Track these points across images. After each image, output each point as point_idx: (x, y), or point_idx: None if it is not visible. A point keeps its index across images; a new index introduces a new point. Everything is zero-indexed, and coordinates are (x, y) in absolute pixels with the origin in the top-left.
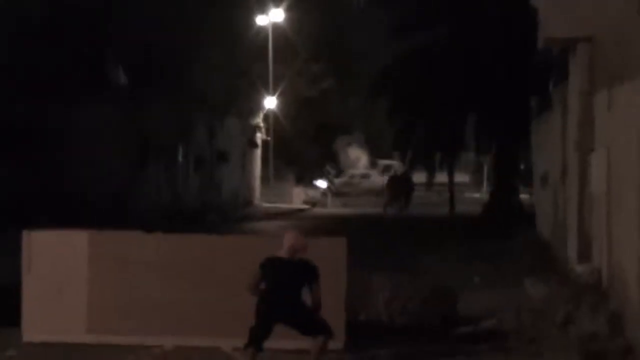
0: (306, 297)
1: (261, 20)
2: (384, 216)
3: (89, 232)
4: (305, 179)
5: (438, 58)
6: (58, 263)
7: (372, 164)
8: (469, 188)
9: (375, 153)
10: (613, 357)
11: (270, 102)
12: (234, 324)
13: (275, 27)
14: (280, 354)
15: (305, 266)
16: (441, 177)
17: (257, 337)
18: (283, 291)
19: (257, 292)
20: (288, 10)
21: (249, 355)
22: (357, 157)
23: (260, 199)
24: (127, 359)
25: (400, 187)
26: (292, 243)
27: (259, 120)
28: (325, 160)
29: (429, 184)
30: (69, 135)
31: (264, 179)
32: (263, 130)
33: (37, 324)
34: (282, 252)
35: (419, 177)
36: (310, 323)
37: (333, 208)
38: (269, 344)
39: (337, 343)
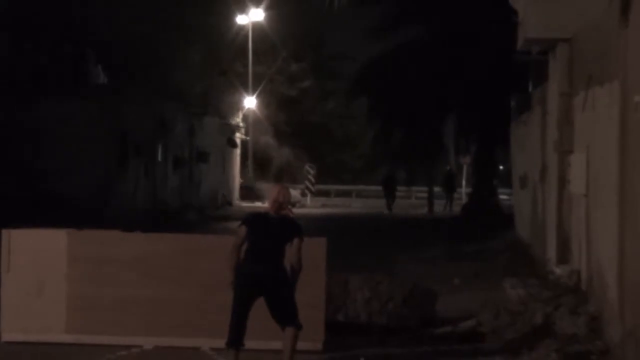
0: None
1: (241, 19)
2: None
3: (68, 231)
4: (284, 178)
5: (416, 58)
6: (37, 262)
7: None
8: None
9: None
10: (591, 359)
11: (250, 102)
12: (213, 324)
13: (255, 26)
14: (261, 354)
15: (289, 222)
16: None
17: (236, 321)
18: (267, 246)
19: (237, 254)
20: (268, 9)
21: (232, 357)
22: None
23: (238, 198)
24: (106, 359)
25: (387, 186)
26: (275, 197)
27: (239, 119)
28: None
29: (409, 186)
30: (48, 133)
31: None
32: (242, 129)
33: (16, 323)
34: (266, 208)
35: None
36: (287, 300)
37: (312, 208)
38: (248, 344)
39: (315, 344)
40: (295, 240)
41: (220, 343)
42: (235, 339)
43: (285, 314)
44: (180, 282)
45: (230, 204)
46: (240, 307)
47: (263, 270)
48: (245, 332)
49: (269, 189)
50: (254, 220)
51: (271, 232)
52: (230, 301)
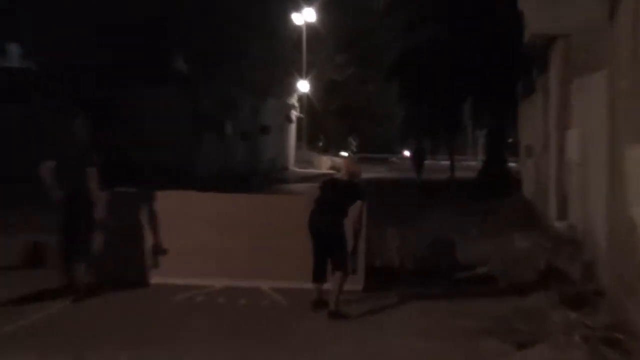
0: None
1: (297, 18)
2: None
3: (158, 192)
4: (331, 148)
5: (439, 51)
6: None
7: None
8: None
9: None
10: (585, 299)
11: (303, 86)
12: (272, 268)
13: (308, 21)
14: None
15: (354, 186)
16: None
17: (315, 266)
18: (332, 203)
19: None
20: (319, 10)
21: (315, 288)
22: None
23: (294, 165)
24: (184, 296)
25: (417, 158)
26: (344, 167)
27: (294, 100)
28: (348, 133)
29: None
30: (141, 113)
31: (297, 148)
32: (297, 108)
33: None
34: (340, 175)
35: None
36: (340, 250)
37: None
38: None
39: (357, 285)
40: (357, 202)
41: (278, 284)
42: (318, 278)
43: (338, 263)
44: (244, 233)
45: (286, 169)
46: (316, 250)
47: (326, 224)
48: (325, 271)
49: (346, 161)
50: (328, 182)
51: (337, 193)
52: (286, 247)
